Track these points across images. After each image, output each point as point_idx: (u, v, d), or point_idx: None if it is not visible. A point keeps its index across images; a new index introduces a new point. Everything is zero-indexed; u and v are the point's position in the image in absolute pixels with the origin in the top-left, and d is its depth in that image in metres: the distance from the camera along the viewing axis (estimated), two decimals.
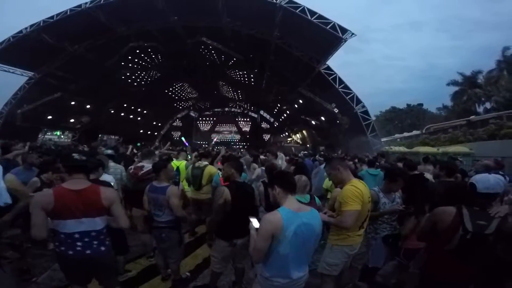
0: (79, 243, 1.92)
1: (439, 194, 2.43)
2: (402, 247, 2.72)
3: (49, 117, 23.98)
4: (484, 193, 1.77)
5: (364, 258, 3.00)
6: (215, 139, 35.90)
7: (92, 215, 1.94)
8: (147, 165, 3.76)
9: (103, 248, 2.02)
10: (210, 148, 12.90)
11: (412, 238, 2.54)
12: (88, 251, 1.94)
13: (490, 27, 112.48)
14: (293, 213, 1.64)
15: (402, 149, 16.72)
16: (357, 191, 2.24)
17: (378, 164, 5.90)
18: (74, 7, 16.44)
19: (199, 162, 4.78)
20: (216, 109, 42.28)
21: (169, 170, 3.08)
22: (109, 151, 5.74)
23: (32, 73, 20.34)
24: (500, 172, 4.25)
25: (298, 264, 1.70)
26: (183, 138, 13.32)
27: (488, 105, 25.51)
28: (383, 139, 20.51)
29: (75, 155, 2.02)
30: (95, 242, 1.98)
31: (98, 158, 3.25)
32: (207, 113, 43.04)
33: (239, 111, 42.00)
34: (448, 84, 28.44)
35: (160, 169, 2.90)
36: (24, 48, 17.32)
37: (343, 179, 2.41)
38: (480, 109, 26.05)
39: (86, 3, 16.21)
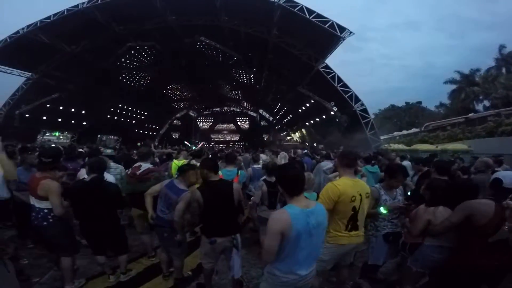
0: (33, 214, 2.78)
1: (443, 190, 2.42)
2: (408, 242, 2.73)
3: (48, 117, 23.90)
4: (509, 188, 1.84)
5: (364, 256, 3.01)
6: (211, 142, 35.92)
7: (36, 197, 2.74)
8: (145, 165, 3.76)
9: (45, 223, 2.76)
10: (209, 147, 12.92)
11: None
12: (35, 222, 2.78)
13: (486, 26, 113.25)
14: (300, 210, 1.65)
15: (401, 146, 16.75)
16: (332, 190, 2.25)
17: (374, 162, 5.89)
18: (71, 7, 16.34)
19: (193, 161, 4.78)
20: (215, 109, 42.26)
21: (192, 174, 3.00)
22: (109, 151, 5.75)
23: (30, 73, 20.25)
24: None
25: (307, 261, 1.72)
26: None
27: (486, 103, 25.64)
28: (382, 137, 20.54)
29: (43, 159, 2.79)
30: (39, 217, 2.75)
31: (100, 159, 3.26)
32: (206, 112, 43.00)
33: (238, 110, 41.98)
34: (445, 82, 28.53)
35: (185, 171, 2.93)
36: (21, 49, 17.24)
37: (340, 175, 2.48)
38: (479, 107, 26.19)
39: (83, 3, 16.11)
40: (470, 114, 21.29)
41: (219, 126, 43.47)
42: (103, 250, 3.02)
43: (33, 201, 2.78)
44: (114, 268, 3.18)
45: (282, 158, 5.87)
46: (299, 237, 1.62)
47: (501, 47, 25.56)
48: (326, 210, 2.17)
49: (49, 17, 16.60)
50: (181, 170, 2.97)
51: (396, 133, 29.51)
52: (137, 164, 3.82)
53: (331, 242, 2.31)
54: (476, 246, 1.94)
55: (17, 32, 17.05)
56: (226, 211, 2.58)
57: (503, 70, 25.47)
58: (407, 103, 41.55)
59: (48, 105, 22.52)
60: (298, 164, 4.23)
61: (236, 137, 42.32)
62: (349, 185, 2.28)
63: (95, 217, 2.76)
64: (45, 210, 2.74)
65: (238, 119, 42.77)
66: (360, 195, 2.29)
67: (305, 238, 1.64)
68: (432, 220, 2.25)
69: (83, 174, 3.65)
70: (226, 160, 4.18)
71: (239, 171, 3.92)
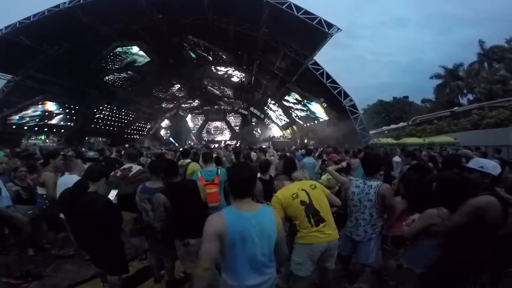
0: (39, 200, 3.79)
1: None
2: (389, 235, 2.76)
3: (32, 121, 23.17)
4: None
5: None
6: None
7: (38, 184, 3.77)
8: (135, 166, 3.68)
9: (44, 207, 3.75)
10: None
11: (398, 225, 2.53)
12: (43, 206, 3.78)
13: (470, 22, 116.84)
14: (239, 213, 1.52)
15: (390, 140, 17.09)
16: (274, 200, 2.46)
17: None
18: (52, 7, 15.77)
19: (182, 160, 4.81)
20: (205, 107, 41.83)
21: None
22: (91, 153, 5.59)
23: (11, 76, 19.52)
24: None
25: (253, 269, 1.53)
26: (171, 138, 13.23)
27: (470, 96, 26.43)
28: (371, 132, 20.86)
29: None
30: (40, 201, 3.79)
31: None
32: (196, 111, 42.54)
33: (229, 108, 41.70)
34: (431, 77, 29.20)
35: (158, 169, 2.84)
36: (1, 51, 16.54)
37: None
38: (463, 101, 26.97)
39: (64, 3, 15.58)
40: (455, 108, 21.90)
41: (210, 125, 43.15)
42: (96, 263, 2.76)
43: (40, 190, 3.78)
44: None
45: (271, 155, 5.85)
46: (235, 243, 1.47)
47: (481, 42, 26.44)
48: (283, 218, 2.28)
49: (28, 18, 15.97)
50: (154, 169, 2.89)
51: (384, 128, 30.08)
52: (127, 165, 3.68)
53: (299, 242, 2.33)
54: (479, 242, 1.86)
55: None
56: (195, 210, 2.55)
57: (485, 64, 26.27)
58: (394, 98, 42.29)
59: (32, 108, 21.82)
60: (289, 159, 4.18)
61: (227, 135, 42.12)
62: (285, 188, 2.55)
63: (80, 230, 2.51)
64: (44, 196, 3.71)
65: (229, 118, 42.55)
66: (303, 189, 2.45)
67: (245, 244, 1.48)
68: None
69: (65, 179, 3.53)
70: (204, 160, 3.95)
71: (219, 169, 3.76)
